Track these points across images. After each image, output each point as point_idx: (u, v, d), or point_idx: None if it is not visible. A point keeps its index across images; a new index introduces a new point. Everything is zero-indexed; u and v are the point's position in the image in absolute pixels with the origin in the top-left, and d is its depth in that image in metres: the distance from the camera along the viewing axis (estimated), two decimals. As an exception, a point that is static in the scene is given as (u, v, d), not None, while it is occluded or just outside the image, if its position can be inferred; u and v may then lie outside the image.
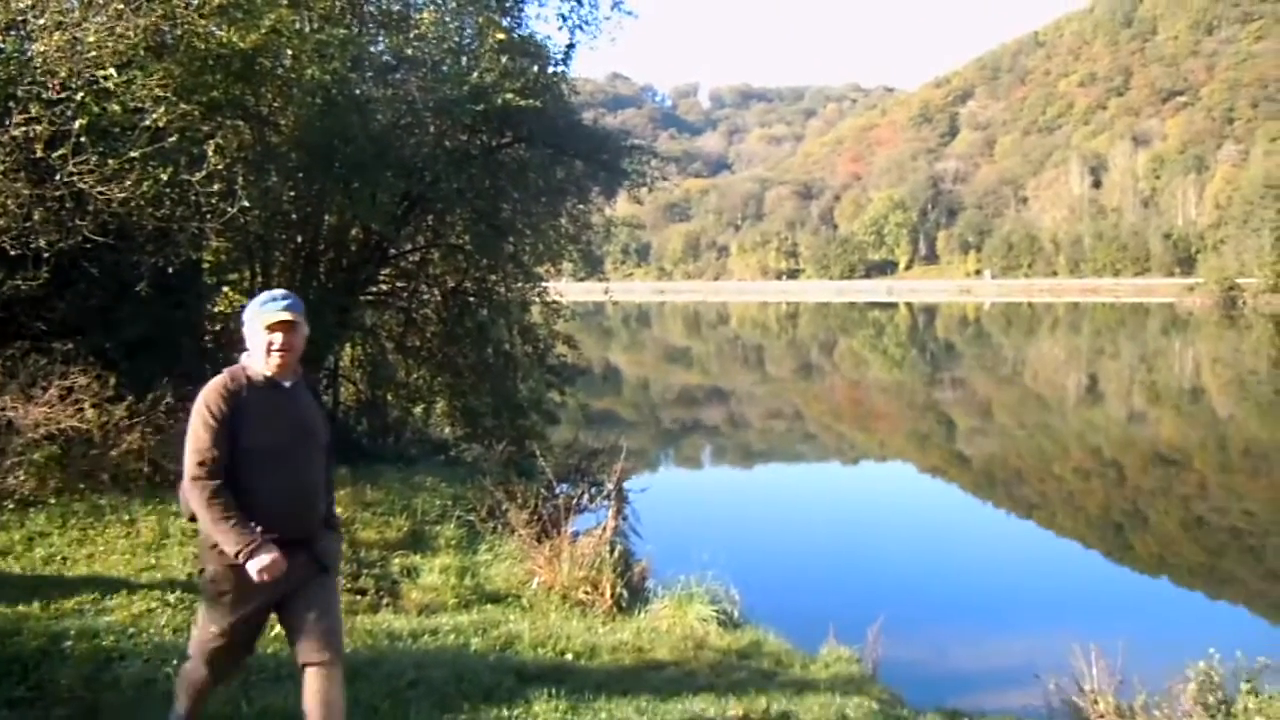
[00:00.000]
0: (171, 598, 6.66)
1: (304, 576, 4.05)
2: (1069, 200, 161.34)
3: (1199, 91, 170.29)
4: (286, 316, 4.00)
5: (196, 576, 4.10)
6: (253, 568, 3.83)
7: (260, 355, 4.02)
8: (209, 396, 3.94)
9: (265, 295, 4.10)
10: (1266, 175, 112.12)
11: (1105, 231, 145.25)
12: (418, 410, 16.62)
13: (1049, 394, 38.82)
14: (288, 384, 4.08)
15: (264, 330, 3.99)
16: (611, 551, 8.69)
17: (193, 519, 4.02)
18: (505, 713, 5.29)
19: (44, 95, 8.46)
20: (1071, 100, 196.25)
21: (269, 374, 4.02)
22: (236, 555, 3.81)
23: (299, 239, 14.07)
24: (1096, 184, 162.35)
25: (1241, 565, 14.79)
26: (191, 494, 3.88)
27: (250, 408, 3.94)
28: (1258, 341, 56.78)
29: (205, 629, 4.07)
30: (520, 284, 16.20)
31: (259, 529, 3.87)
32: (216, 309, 13.95)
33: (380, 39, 14.35)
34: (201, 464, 3.85)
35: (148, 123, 8.83)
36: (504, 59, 13.63)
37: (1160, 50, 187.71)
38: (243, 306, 13.86)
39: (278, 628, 6.24)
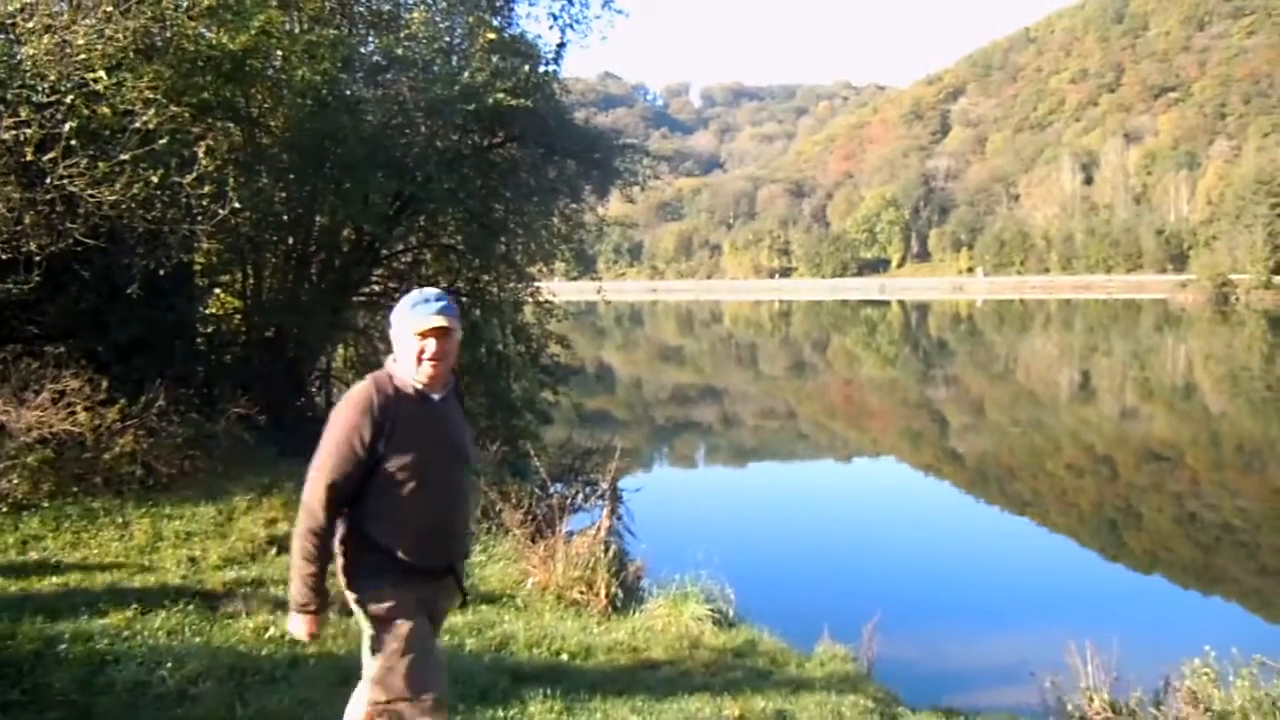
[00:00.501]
0: (166, 600, 6.64)
1: (448, 605, 3.80)
2: (1061, 197, 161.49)
3: (1191, 87, 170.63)
4: (441, 322, 3.51)
5: (354, 602, 3.63)
6: (292, 624, 3.58)
7: (409, 364, 3.54)
8: (351, 412, 3.47)
9: (416, 295, 3.60)
10: (1259, 171, 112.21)
11: (1097, 228, 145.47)
12: (411, 411, 16.59)
13: (1042, 391, 38.89)
14: (438, 396, 3.61)
15: (414, 336, 3.51)
16: (606, 551, 8.68)
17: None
18: (501, 713, 5.28)
19: (34, 98, 8.45)
20: (1063, 97, 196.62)
21: (420, 385, 3.56)
22: (294, 606, 3.53)
23: (290, 240, 14.06)
24: (1088, 181, 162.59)
25: (1235, 562, 14.82)
26: (301, 514, 3.49)
27: (398, 423, 3.48)
28: (1250, 337, 56.95)
29: (391, 656, 3.56)
30: (513, 284, 16.19)
31: (402, 560, 3.53)
32: (208, 311, 13.94)
33: (370, 39, 14.33)
34: (328, 486, 3.43)
35: (138, 125, 8.82)
36: (495, 58, 13.62)
37: (1152, 46, 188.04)
38: (234, 309, 13.69)
39: (271, 629, 6.28)
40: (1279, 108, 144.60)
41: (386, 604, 3.54)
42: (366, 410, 3.45)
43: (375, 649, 3.58)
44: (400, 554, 3.54)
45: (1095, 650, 6.94)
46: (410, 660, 3.54)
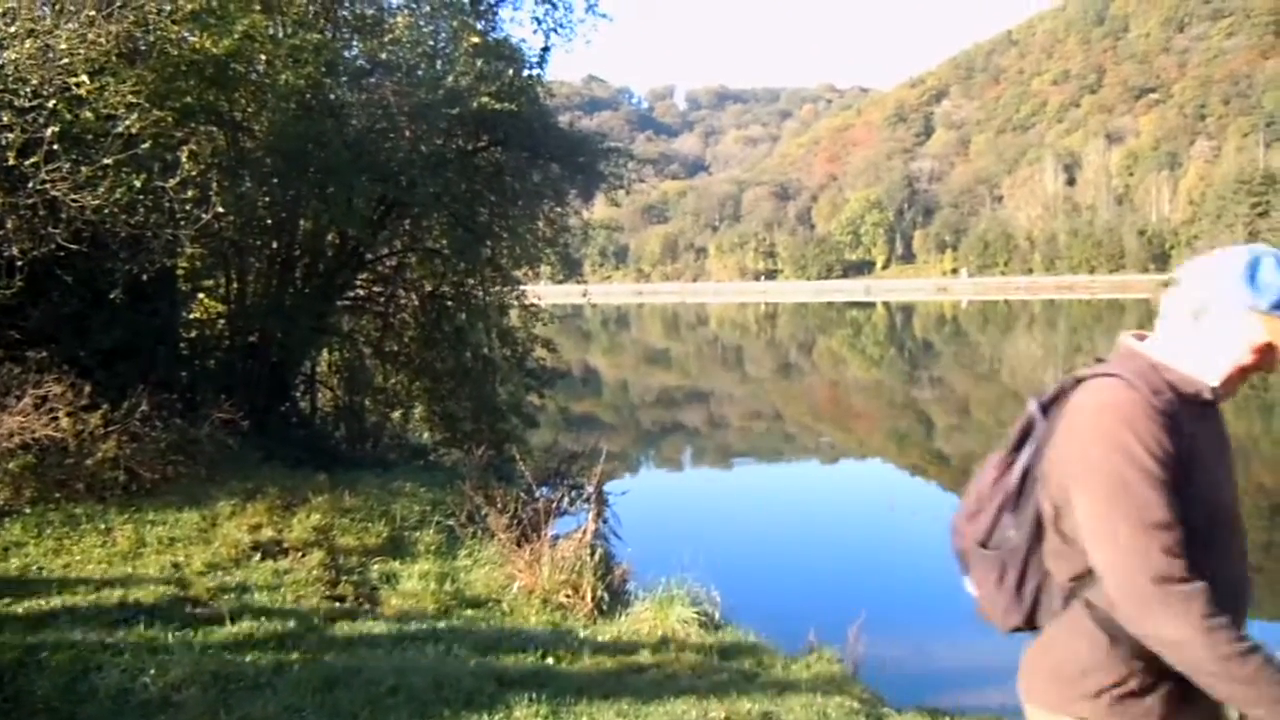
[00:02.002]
0: (148, 606, 6.61)
1: None
2: (1044, 198, 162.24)
3: (1171, 89, 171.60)
4: None
5: None
6: None
7: (1221, 360, 2.26)
8: (1138, 424, 2.15)
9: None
10: (1239, 171, 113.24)
11: (1080, 229, 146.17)
12: (396, 415, 16.60)
13: (1027, 391, 38.74)
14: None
15: (1254, 335, 2.21)
16: (592, 554, 8.66)
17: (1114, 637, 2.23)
18: (486, 718, 5.27)
19: (15, 103, 8.40)
20: (1045, 99, 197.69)
21: (1215, 386, 2.29)
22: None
23: (274, 245, 14.03)
24: (1071, 182, 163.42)
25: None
26: (1155, 604, 2.05)
27: (1190, 441, 2.19)
28: (1232, 337, 57.16)
29: None
30: (498, 287, 16.21)
31: None
32: (191, 316, 13.91)
33: (354, 44, 14.32)
34: (1168, 550, 2.07)
35: (120, 129, 8.78)
36: (479, 62, 13.64)
37: (1132, 48, 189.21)
38: (218, 314, 13.54)
39: (255, 635, 6.26)
40: (1258, 108, 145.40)
41: None
42: (1156, 420, 2.16)
43: None
44: None
45: (1079, 649, 6.96)
46: None
